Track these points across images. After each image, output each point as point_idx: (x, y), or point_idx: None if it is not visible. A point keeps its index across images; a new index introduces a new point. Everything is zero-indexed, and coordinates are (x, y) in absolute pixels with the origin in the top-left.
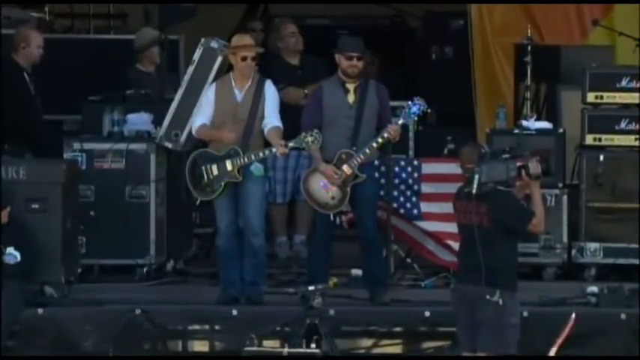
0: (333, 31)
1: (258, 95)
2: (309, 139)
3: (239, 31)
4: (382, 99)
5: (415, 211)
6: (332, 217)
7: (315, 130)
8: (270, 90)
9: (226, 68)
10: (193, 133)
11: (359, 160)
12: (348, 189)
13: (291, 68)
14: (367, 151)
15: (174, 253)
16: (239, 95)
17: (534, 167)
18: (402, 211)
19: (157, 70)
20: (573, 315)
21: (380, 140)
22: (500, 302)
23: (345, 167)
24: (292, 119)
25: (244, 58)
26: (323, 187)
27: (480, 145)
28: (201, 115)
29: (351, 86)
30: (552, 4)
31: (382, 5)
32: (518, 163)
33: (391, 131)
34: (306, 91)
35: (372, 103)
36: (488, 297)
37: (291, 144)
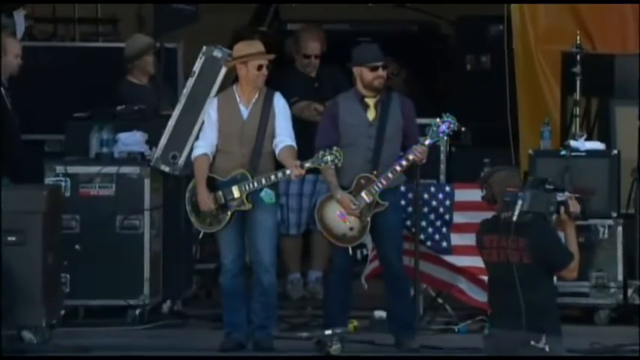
0: (353, 38)
1: (266, 110)
2: (329, 157)
3: (245, 37)
4: (407, 114)
5: (444, 244)
6: (351, 251)
7: (335, 148)
8: (280, 103)
9: (232, 80)
10: (192, 159)
11: (380, 185)
12: (369, 219)
13: (307, 80)
14: (390, 175)
15: (171, 293)
16: (245, 111)
17: (574, 205)
18: (428, 243)
19: (152, 82)
20: None
21: (404, 163)
22: (547, 349)
23: (364, 194)
24: (308, 136)
25: (260, 67)
26: (340, 217)
27: (516, 168)
28: (203, 140)
29: (371, 101)
30: (606, 4)
31: (409, 8)
32: (559, 198)
33: (416, 152)
34: (327, 105)
35: (396, 120)
36: (532, 343)
37: (307, 165)
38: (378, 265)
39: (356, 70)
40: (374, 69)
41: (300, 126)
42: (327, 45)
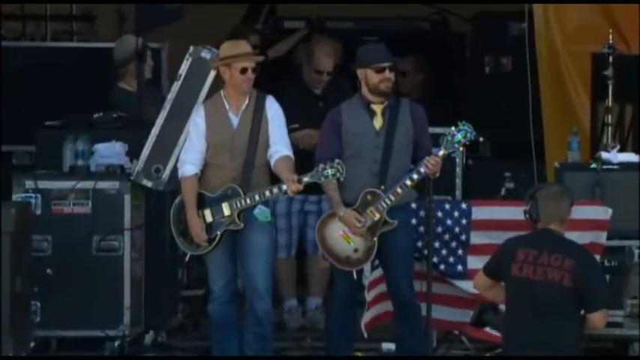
0: (357, 37)
1: (258, 117)
2: (330, 171)
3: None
4: (418, 122)
5: (459, 267)
6: (355, 275)
7: (337, 161)
8: (273, 108)
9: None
10: (179, 178)
11: (388, 201)
12: (375, 239)
13: (312, 98)
14: (399, 190)
15: (154, 322)
16: (235, 119)
17: None
18: (442, 267)
19: (147, 86)
20: None
21: (415, 176)
22: None
23: (370, 211)
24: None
25: (244, 70)
26: (343, 238)
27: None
28: (190, 153)
29: (377, 108)
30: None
31: (421, 4)
32: None
33: (429, 165)
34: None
35: (406, 129)
36: None
37: (305, 179)
38: (379, 312)
39: (360, 72)
40: (380, 70)
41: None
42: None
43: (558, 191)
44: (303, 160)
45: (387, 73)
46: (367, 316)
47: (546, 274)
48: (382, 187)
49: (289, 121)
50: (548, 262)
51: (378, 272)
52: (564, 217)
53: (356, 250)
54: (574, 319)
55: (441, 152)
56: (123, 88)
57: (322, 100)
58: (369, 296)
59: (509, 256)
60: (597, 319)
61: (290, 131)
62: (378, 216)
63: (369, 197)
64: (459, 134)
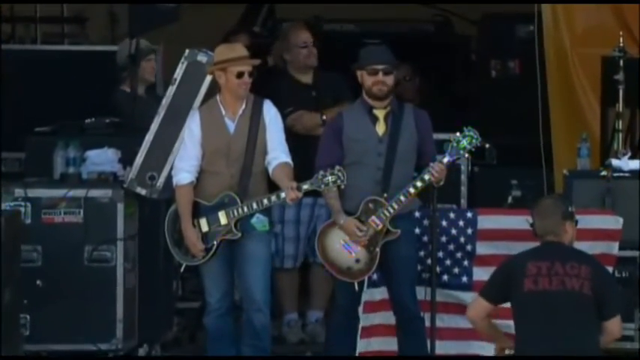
0: (358, 39)
1: (255, 122)
2: (330, 178)
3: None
4: (422, 128)
5: (464, 279)
6: (357, 287)
7: (337, 167)
8: (271, 112)
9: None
10: (174, 186)
11: (391, 210)
12: (378, 249)
13: (302, 88)
14: (402, 198)
15: (148, 336)
16: (231, 125)
17: None
18: (445, 277)
19: (148, 91)
20: None
21: (419, 184)
22: None
23: (372, 220)
24: (306, 152)
25: (240, 74)
26: (344, 248)
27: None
28: (184, 160)
29: (380, 113)
30: None
31: (425, 5)
32: None
33: (434, 172)
34: (324, 117)
35: (409, 135)
36: None
37: (305, 187)
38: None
39: (358, 73)
40: (373, 72)
41: (296, 140)
42: (328, 47)
43: (549, 204)
44: (303, 167)
45: (381, 76)
46: (362, 346)
47: (564, 283)
48: (385, 195)
49: (281, 111)
50: (564, 272)
51: (379, 294)
52: (555, 231)
53: (357, 261)
54: (595, 329)
55: (447, 159)
56: (124, 90)
57: (314, 89)
58: (366, 319)
59: (518, 272)
60: (615, 326)
61: (285, 116)
62: (380, 225)
63: (370, 205)
64: (464, 140)
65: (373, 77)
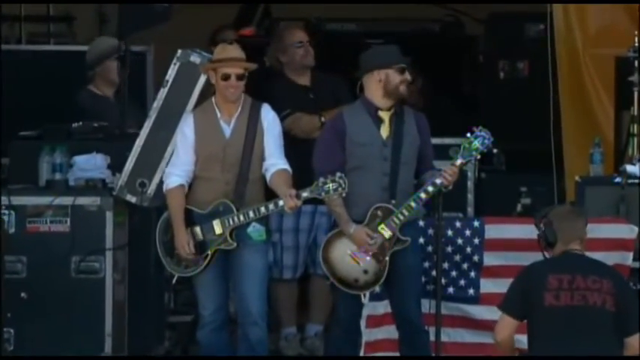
0: (360, 40)
1: (252, 126)
2: (331, 186)
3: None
4: (424, 132)
5: (471, 291)
6: (364, 299)
7: (339, 174)
8: (269, 117)
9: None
10: (164, 191)
11: (402, 217)
12: (387, 259)
13: (300, 90)
14: (413, 204)
15: (138, 350)
16: (227, 129)
17: None
18: (450, 289)
19: (117, 93)
20: None
21: (430, 189)
22: None
23: (382, 228)
24: (304, 157)
25: (226, 77)
26: (352, 258)
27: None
28: (177, 165)
29: (385, 115)
30: None
31: (430, 4)
32: None
33: (447, 175)
34: (322, 119)
35: (412, 139)
36: None
37: (304, 195)
38: None
39: (378, 74)
40: (402, 71)
41: (294, 144)
42: (329, 48)
43: (571, 210)
44: (301, 172)
45: (407, 75)
46: None
47: (586, 298)
48: (393, 201)
49: (278, 113)
50: (585, 286)
51: (382, 307)
52: (583, 236)
53: (365, 272)
54: (617, 347)
55: (459, 161)
56: (92, 91)
57: (312, 91)
58: (369, 335)
59: (539, 284)
60: (638, 342)
61: (282, 119)
62: (390, 233)
63: (379, 213)
64: (477, 141)
65: (401, 75)
